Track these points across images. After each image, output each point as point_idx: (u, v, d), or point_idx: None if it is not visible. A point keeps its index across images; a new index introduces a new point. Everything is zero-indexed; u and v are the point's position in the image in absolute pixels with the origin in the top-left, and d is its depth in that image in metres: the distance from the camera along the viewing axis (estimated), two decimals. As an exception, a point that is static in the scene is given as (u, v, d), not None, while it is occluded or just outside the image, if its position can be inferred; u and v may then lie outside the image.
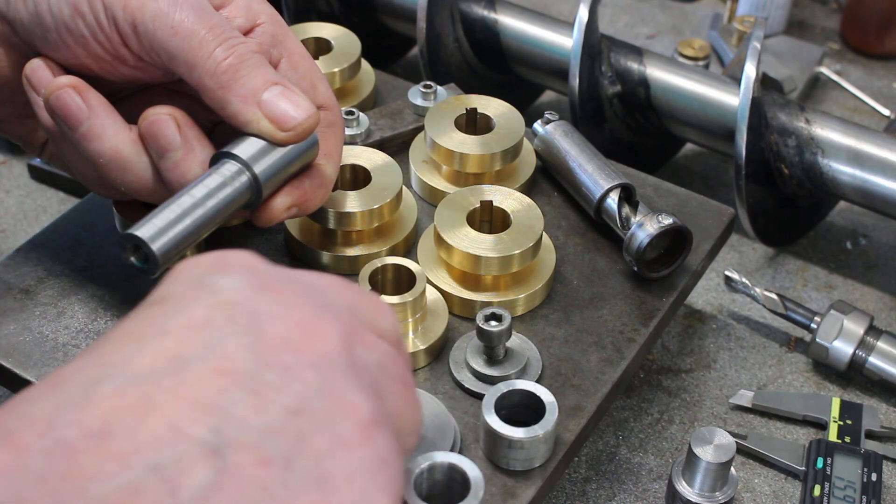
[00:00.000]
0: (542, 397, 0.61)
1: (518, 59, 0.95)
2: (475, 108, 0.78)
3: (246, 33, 0.62)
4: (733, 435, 0.72)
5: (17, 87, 0.63)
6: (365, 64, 0.86)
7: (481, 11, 0.95)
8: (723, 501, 0.69)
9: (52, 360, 0.66)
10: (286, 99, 0.58)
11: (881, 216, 0.90)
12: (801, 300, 0.87)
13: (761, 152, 0.85)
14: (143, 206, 0.66)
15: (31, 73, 0.61)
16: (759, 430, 0.78)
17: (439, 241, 0.69)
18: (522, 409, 0.62)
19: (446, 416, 0.62)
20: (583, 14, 0.86)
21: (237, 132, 0.59)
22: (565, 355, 0.68)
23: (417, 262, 0.70)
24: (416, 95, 0.81)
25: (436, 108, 0.78)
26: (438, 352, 0.67)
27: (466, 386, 0.65)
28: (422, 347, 0.66)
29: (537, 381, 0.65)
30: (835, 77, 1.10)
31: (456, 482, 0.56)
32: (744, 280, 0.82)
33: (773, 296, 0.81)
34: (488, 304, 0.68)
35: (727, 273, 0.83)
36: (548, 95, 1.05)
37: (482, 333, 0.63)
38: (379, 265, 0.67)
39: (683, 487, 0.70)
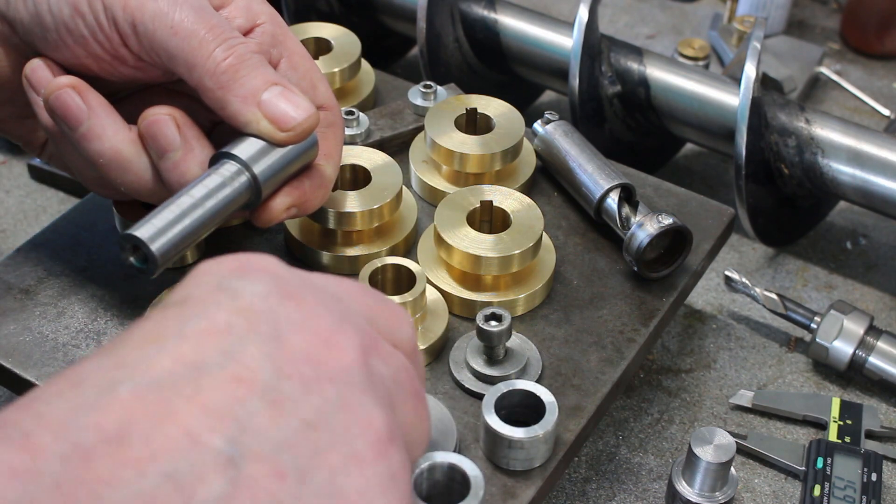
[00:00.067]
0: (542, 397, 0.61)
1: (518, 59, 0.95)
2: (475, 108, 0.78)
3: (246, 33, 0.62)
4: (733, 435, 0.72)
5: (16, 87, 0.63)
6: (365, 64, 0.87)
7: (481, 11, 0.95)
8: (723, 501, 0.69)
9: (52, 360, 0.66)
10: (286, 99, 0.58)
11: (881, 216, 0.90)
12: (801, 300, 0.87)
13: (761, 152, 0.85)
14: (142, 207, 0.67)
15: (30, 73, 0.61)
16: (759, 430, 0.78)
17: (439, 241, 0.69)
18: (522, 409, 0.62)
19: (448, 419, 0.62)
20: (583, 14, 0.86)
21: (237, 132, 0.59)
22: (565, 355, 0.68)
23: (417, 262, 0.70)
24: (416, 95, 0.81)
25: (436, 108, 0.78)
26: (438, 352, 0.67)
27: (466, 386, 0.65)
28: (422, 347, 0.66)
29: (537, 381, 0.65)
30: (835, 77, 1.10)
31: (456, 482, 0.56)
32: (744, 280, 0.82)
33: (773, 296, 0.81)
34: (488, 304, 0.68)
35: (727, 273, 0.83)
36: (548, 95, 1.05)
37: (482, 333, 0.63)
38: (379, 265, 0.67)
39: (683, 487, 0.70)
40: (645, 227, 0.70)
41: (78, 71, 0.61)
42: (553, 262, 0.71)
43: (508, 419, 0.60)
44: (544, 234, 0.71)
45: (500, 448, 0.60)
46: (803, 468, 0.73)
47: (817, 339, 0.79)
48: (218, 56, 0.57)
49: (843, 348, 0.79)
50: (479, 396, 0.64)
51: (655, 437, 0.77)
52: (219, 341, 0.39)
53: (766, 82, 1.01)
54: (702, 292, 0.88)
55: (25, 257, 0.72)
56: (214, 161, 0.59)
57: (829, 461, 0.72)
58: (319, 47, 0.84)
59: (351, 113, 0.78)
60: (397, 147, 0.80)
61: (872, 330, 0.79)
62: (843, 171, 0.84)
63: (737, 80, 0.85)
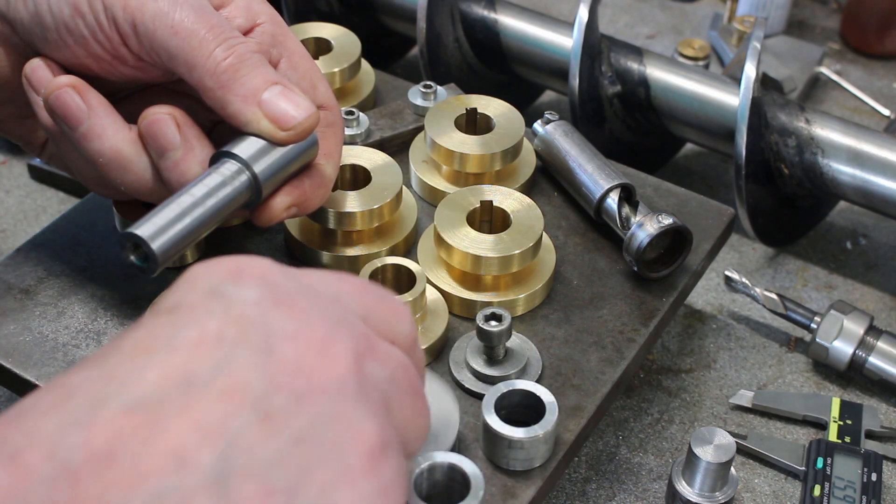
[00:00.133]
0: (542, 397, 0.61)
1: (518, 59, 0.95)
2: (475, 108, 0.78)
3: (246, 33, 0.62)
4: (733, 435, 0.72)
5: (16, 87, 0.63)
6: (365, 64, 0.87)
7: (481, 11, 0.95)
8: (723, 501, 0.69)
9: (52, 360, 0.66)
10: (286, 98, 0.58)
11: (881, 216, 0.90)
12: (801, 300, 0.87)
13: (761, 152, 0.85)
14: (142, 206, 0.66)
15: (30, 73, 0.61)
16: (759, 430, 0.78)
17: (439, 241, 0.69)
18: (522, 409, 0.62)
19: (451, 403, 0.62)
20: (583, 14, 0.86)
21: (237, 132, 0.59)
22: (565, 355, 0.68)
23: (417, 262, 0.70)
24: (416, 95, 0.81)
25: (436, 108, 0.78)
26: (438, 352, 0.67)
27: (466, 386, 0.65)
28: (422, 347, 0.66)
29: (537, 381, 0.65)
30: (835, 77, 1.10)
31: (456, 482, 0.56)
32: (744, 280, 0.82)
33: (773, 296, 0.81)
34: (488, 304, 0.68)
35: (727, 273, 0.83)
36: (548, 95, 1.05)
37: (482, 333, 0.63)
38: (379, 265, 0.67)
39: (683, 487, 0.70)
40: (645, 227, 0.70)
41: (78, 71, 0.61)
42: (553, 262, 0.71)
43: (508, 419, 0.60)
44: (544, 234, 0.71)
45: (500, 448, 0.60)
46: (803, 468, 0.73)
47: (817, 339, 0.79)
48: (218, 55, 0.57)
49: (843, 348, 0.79)
50: (479, 396, 0.64)
51: (655, 437, 0.77)
52: (209, 353, 0.38)
53: (766, 82, 1.01)
54: (702, 292, 0.88)
55: (25, 257, 0.72)
56: (215, 160, 0.59)
57: (829, 461, 0.72)
58: (319, 47, 0.84)
59: (351, 113, 0.78)
60: (397, 147, 0.80)
61: (872, 330, 0.79)
62: (843, 171, 0.84)
63: (737, 80, 0.85)
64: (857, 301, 0.88)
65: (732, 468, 0.70)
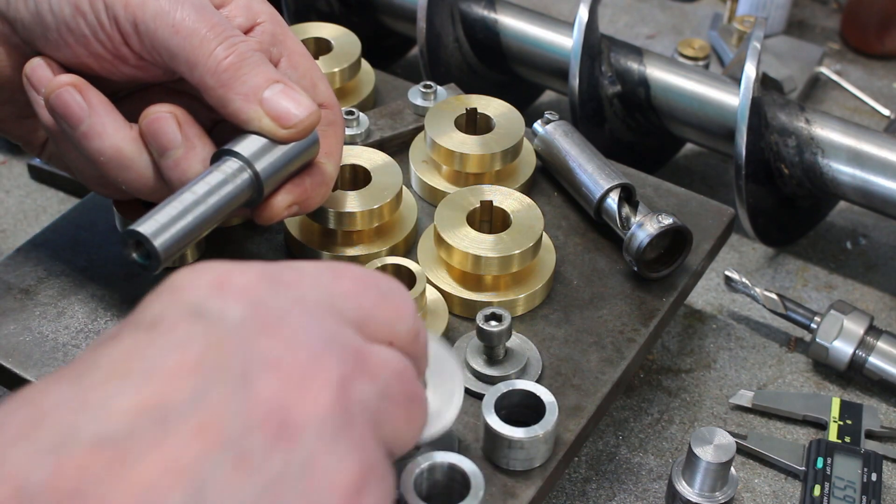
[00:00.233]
0: (542, 397, 0.61)
1: (518, 59, 0.95)
2: (475, 108, 0.78)
3: (246, 32, 0.62)
4: (733, 435, 0.72)
5: (17, 87, 0.63)
6: (365, 64, 0.87)
7: (481, 11, 0.95)
8: (723, 501, 0.69)
9: (52, 360, 0.66)
10: (287, 97, 0.59)
11: (881, 216, 0.90)
12: (801, 300, 0.87)
13: (761, 152, 0.85)
14: (143, 206, 0.66)
15: (31, 73, 0.61)
16: (759, 430, 0.77)
17: (439, 241, 0.69)
18: (522, 409, 0.62)
19: (456, 379, 0.61)
20: (583, 14, 0.86)
21: (238, 130, 0.60)
22: (565, 355, 0.68)
23: (417, 262, 0.70)
24: (416, 95, 0.81)
25: (436, 108, 0.78)
26: (438, 352, 0.67)
27: (466, 386, 0.65)
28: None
29: (537, 381, 0.65)
30: (835, 77, 1.10)
31: (456, 482, 0.56)
32: (744, 280, 0.82)
33: (773, 296, 0.81)
34: (488, 304, 0.68)
35: (727, 273, 0.83)
36: (548, 95, 1.05)
37: (482, 333, 0.63)
38: (379, 265, 0.67)
39: (683, 487, 0.70)
40: (645, 227, 0.70)
41: (78, 70, 0.61)
42: (553, 262, 0.71)
43: (508, 419, 0.60)
44: (544, 234, 0.71)
45: (500, 448, 0.60)
46: (803, 468, 0.73)
47: (817, 339, 0.79)
48: (219, 54, 0.57)
49: (843, 348, 0.79)
50: (479, 396, 0.64)
51: (655, 437, 0.77)
52: (186, 383, 0.37)
53: (766, 82, 1.01)
54: (702, 292, 0.88)
55: (25, 257, 0.72)
56: (216, 159, 0.59)
57: (829, 461, 0.72)
58: (319, 47, 0.84)
59: (351, 113, 0.78)
60: (397, 147, 0.80)
61: (872, 330, 0.79)
62: (843, 171, 0.84)
63: (737, 80, 0.85)
64: (857, 301, 0.88)
65: (732, 468, 0.70)
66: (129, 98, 0.65)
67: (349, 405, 0.39)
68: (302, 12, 0.99)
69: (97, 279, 0.71)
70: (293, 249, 0.73)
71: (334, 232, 0.71)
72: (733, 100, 0.86)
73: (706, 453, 0.68)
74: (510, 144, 0.75)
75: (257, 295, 0.40)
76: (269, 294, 0.41)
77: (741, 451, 0.75)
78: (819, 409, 0.77)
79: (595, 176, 0.74)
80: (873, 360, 0.78)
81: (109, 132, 0.59)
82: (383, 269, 0.67)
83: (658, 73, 0.90)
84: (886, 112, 1.06)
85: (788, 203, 0.89)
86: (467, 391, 0.65)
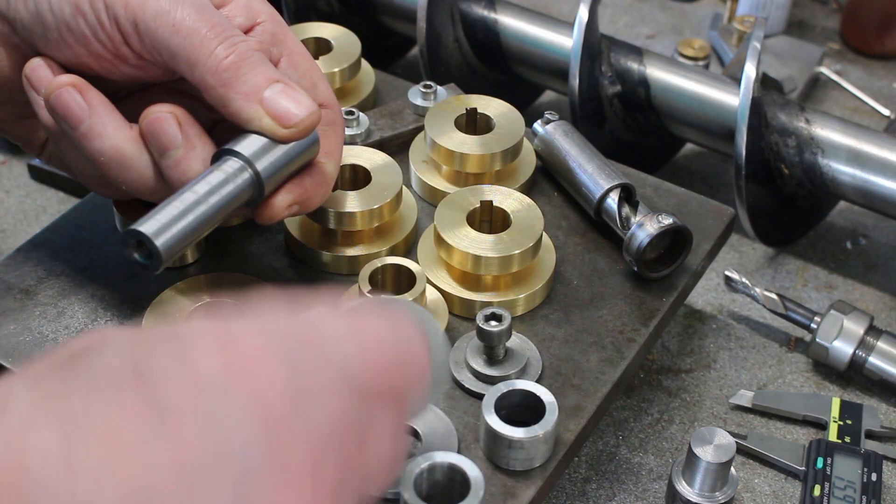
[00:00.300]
0: (542, 397, 0.61)
1: (518, 59, 0.95)
2: (475, 108, 0.78)
3: (246, 32, 0.62)
4: (733, 435, 0.72)
5: (17, 87, 0.63)
6: (365, 64, 0.87)
7: (481, 11, 0.95)
8: (723, 501, 0.69)
9: (52, 360, 0.66)
10: (287, 96, 0.59)
11: (881, 216, 0.90)
12: (801, 300, 0.87)
13: (761, 152, 0.85)
14: (143, 206, 0.66)
15: (31, 73, 0.61)
16: (759, 430, 0.77)
17: (439, 241, 0.69)
18: (522, 409, 0.62)
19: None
20: (583, 14, 0.86)
21: (238, 130, 0.60)
22: (565, 355, 0.68)
23: (417, 262, 0.70)
24: (416, 95, 0.81)
25: (436, 108, 0.78)
26: (438, 352, 0.67)
27: (466, 386, 0.65)
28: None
29: (537, 381, 0.65)
30: (835, 77, 1.10)
31: (456, 482, 0.56)
32: (744, 280, 0.82)
33: (773, 296, 0.81)
34: (488, 304, 0.68)
35: (727, 273, 0.83)
36: (548, 95, 1.05)
37: (482, 333, 0.63)
38: (379, 265, 0.67)
39: (683, 487, 0.70)
40: (645, 227, 0.70)
41: (78, 70, 0.61)
42: (553, 262, 0.71)
43: (508, 419, 0.60)
44: (544, 234, 0.71)
45: (500, 448, 0.60)
46: (803, 468, 0.73)
47: (817, 339, 0.79)
48: (220, 54, 0.57)
49: (843, 348, 0.79)
50: (479, 396, 0.64)
51: (655, 437, 0.77)
52: (178, 479, 0.34)
53: (766, 82, 1.01)
54: (702, 292, 0.88)
55: (25, 257, 0.72)
56: (216, 158, 0.59)
57: (829, 461, 0.72)
58: (319, 47, 0.84)
59: (351, 113, 0.78)
60: (397, 147, 0.80)
61: (872, 330, 0.79)
62: (843, 171, 0.84)
63: (737, 80, 0.85)
64: (857, 301, 0.88)
65: (732, 468, 0.70)
66: (130, 98, 0.65)
67: (340, 499, 0.38)
68: (302, 12, 0.99)
69: (97, 279, 0.71)
70: (293, 249, 0.73)
71: (334, 232, 0.71)
72: (733, 100, 0.86)
73: (706, 453, 0.68)
74: (510, 144, 0.75)
75: (267, 377, 0.37)
76: (279, 377, 0.38)
77: (741, 451, 0.75)
78: (819, 409, 0.77)
79: (595, 176, 0.74)
80: (873, 360, 0.78)
81: (109, 132, 0.59)
82: (383, 269, 0.67)
83: (658, 73, 0.90)
84: (886, 112, 1.06)
85: (788, 203, 0.89)
86: (467, 391, 0.65)
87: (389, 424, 0.41)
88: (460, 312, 0.69)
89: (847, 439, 0.74)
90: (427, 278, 0.68)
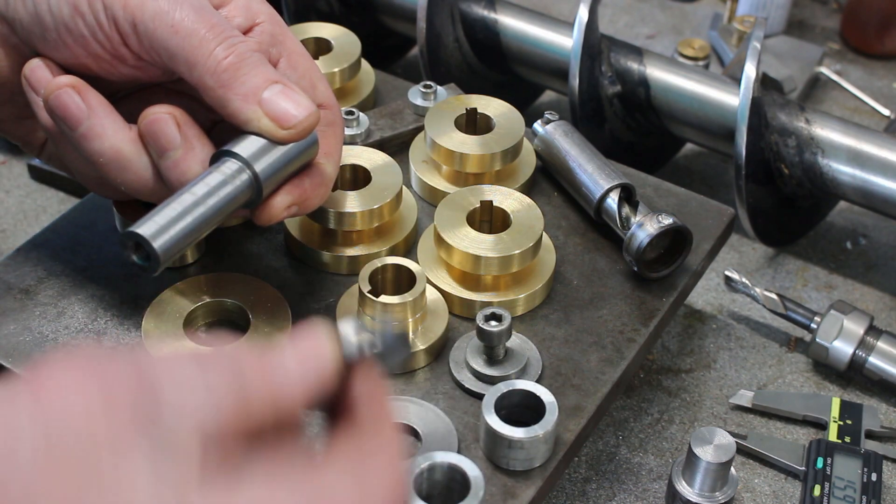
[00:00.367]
0: (542, 397, 0.61)
1: (518, 59, 0.95)
2: (475, 108, 0.78)
3: (245, 32, 0.62)
4: (733, 435, 0.72)
5: (16, 88, 0.63)
6: (365, 64, 0.87)
7: (481, 11, 0.95)
8: (723, 501, 0.69)
9: (52, 360, 0.66)
10: (286, 97, 0.58)
11: (881, 216, 0.90)
12: (801, 300, 0.87)
13: (761, 152, 0.85)
14: (142, 206, 0.66)
15: (30, 74, 0.61)
16: (759, 430, 0.77)
17: (439, 241, 0.69)
18: (522, 409, 0.62)
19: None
20: (583, 14, 0.86)
21: (237, 131, 0.60)
22: (565, 355, 0.68)
23: (417, 262, 0.70)
24: (416, 95, 0.81)
25: (436, 108, 0.78)
26: (438, 352, 0.67)
27: (466, 386, 0.65)
28: (422, 347, 0.66)
29: (537, 381, 0.65)
30: (835, 77, 1.10)
31: (456, 482, 0.56)
32: (744, 280, 0.82)
33: (773, 296, 0.81)
34: (488, 304, 0.68)
35: (727, 273, 0.82)
36: (548, 95, 1.05)
37: (482, 333, 0.63)
38: (379, 265, 0.67)
39: (683, 487, 0.70)
40: (645, 227, 0.70)
41: (77, 71, 0.61)
42: (553, 262, 0.71)
43: (508, 419, 0.60)
44: (544, 234, 0.71)
45: (500, 448, 0.60)
46: (803, 468, 0.73)
47: (817, 339, 0.79)
48: (219, 54, 0.57)
49: (843, 348, 0.79)
50: (479, 396, 0.64)
51: (655, 437, 0.77)
52: None
53: (766, 82, 1.01)
54: (702, 292, 0.88)
55: (25, 257, 0.72)
56: (215, 159, 0.59)
57: (829, 461, 0.72)
58: (319, 47, 0.84)
59: (351, 113, 0.78)
60: (397, 147, 0.80)
61: (872, 330, 0.79)
62: (843, 171, 0.84)
63: (737, 80, 0.85)
64: (857, 301, 0.88)
65: (732, 468, 0.70)
66: (128, 99, 0.64)
67: None
68: (302, 12, 0.99)
69: (97, 279, 0.71)
70: (293, 249, 0.73)
71: (334, 232, 0.71)
72: (733, 100, 0.86)
73: (706, 453, 0.68)
74: (510, 144, 0.75)
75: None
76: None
77: (741, 451, 0.75)
78: (819, 409, 0.77)
79: (595, 176, 0.74)
80: (873, 360, 0.78)
81: (108, 133, 0.59)
82: (383, 269, 0.67)
83: (658, 73, 0.90)
84: (886, 112, 1.06)
85: (788, 203, 0.89)
86: (467, 391, 0.65)
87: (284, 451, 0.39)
88: (460, 312, 0.69)
89: (847, 439, 0.74)
90: (427, 278, 0.68)
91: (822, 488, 0.70)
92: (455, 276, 0.70)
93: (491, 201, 0.71)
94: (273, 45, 0.63)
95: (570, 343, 0.68)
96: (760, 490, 0.74)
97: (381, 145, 0.79)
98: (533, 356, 0.66)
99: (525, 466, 0.61)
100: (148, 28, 0.57)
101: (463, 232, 0.69)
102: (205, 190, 0.57)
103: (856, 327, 0.79)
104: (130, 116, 0.60)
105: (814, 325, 0.80)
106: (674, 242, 0.72)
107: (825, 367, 0.81)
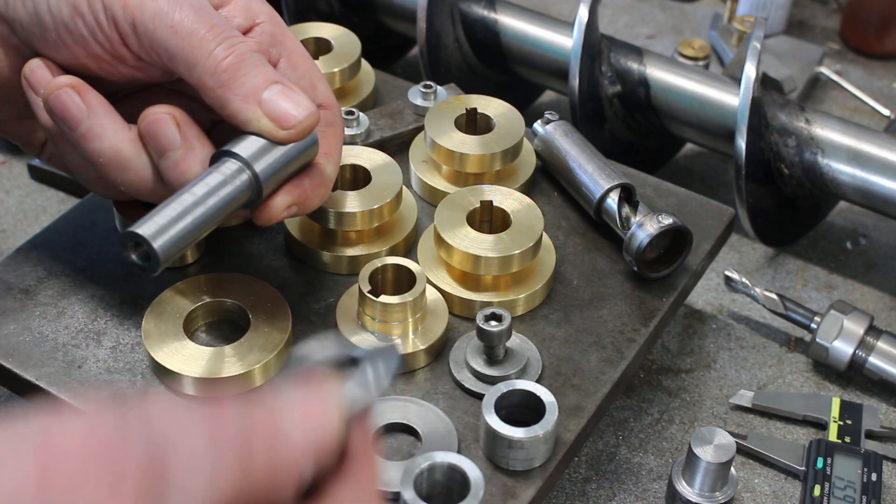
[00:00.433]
0: (542, 397, 0.61)
1: (518, 59, 0.95)
2: (475, 108, 0.78)
3: (245, 33, 0.62)
4: (733, 435, 0.72)
5: (16, 88, 0.63)
6: (365, 64, 0.87)
7: (481, 11, 0.95)
8: (723, 501, 0.69)
9: (52, 360, 0.66)
10: (286, 98, 0.58)
11: (881, 216, 0.90)
12: (801, 300, 0.87)
13: (761, 152, 0.85)
14: (142, 206, 0.66)
15: (30, 74, 0.61)
16: (759, 430, 0.77)
17: (439, 241, 0.69)
18: (522, 409, 0.62)
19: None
20: (583, 14, 0.86)
21: (237, 131, 0.59)
22: (565, 355, 0.68)
23: (417, 262, 0.70)
24: (416, 95, 0.81)
25: (436, 108, 0.78)
26: (438, 352, 0.67)
27: (466, 386, 0.65)
28: (422, 347, 0.66)
29: (537, 381, 0.65)
30: (835, 77, 1.10)
31: (456, 482, 0.56)
32: (744, 280, 0.82)
33: (773, 296, 0.81)
34: (488, 304, 0.68)
35: (727, 273, 0.83)
36: (548, 95, 1.05)
37: (482, 333, 0.63)
38: (379, 265, 0.67)
39: (683, 487, 0.70)
40: (645, 227, 0.70)
41: (77, 71, 0.61)
42: (553, 262, 0.71)
43: (508, 419, 0.60)
44: (544, 234, 0.71)
45: (500, 448, 0.60)
46: (803, 468, 0.73)
47: (817, 339, 0.79)
48: (218, 55, 0.57)
49: (843, 348, 0.79)
50: (479, 396, 0.64)
51: (655, 437, 0.77)
52: None
53: (766, 82, 1.01)
54: (702, 292, 0.88)
55: (25, 257, 0.72)
56: (215, 160, 0.59)
57: (829, 461, 0.72)
58: (319, 47, 0.84)
59: (351, 113, 0.78)
60: (397, 147, 0.80)
61: (872, 330, 0.79)
62: (843, 171, 0.84)
63: (737, 80, 0.85)
64: (857, 301, 0.88)
65: (732, 468, 0.70)
66: (128, 99, 0.64)
67: None
68: (302, 12, 0.99)
69: (97, 279, 0.71)
70: (293, 249, 0.73)
71: (334, 232, 0.71)
72: (733, 100, 0.86)
73: (706, 453, 0.68)
74: (510, 144, 0.75)
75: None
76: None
77: (741, 451, 0.75)
78: (819, 409, 0.77)
79: (595, 176, 0.74)
80: (873, 360, 0.78)
81: (108, 133, 0.59)
82: (383, 269, 0.67)
83: (658, 73, 0.90)
84: (886, 112, 1.06)
85: (788, 203, 0.89)
86: (467, 391, 0.65)
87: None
88: (460, 312, 0.69)
89: (847, 439, 0.74)
90: (427, 278, 0.68)
91: (822, 488, 0.70)
92: (455, 276, 0.70)
93: (491, 201, 0.71)
94: (273, 46, 0.63)
95: (570, 343, 0.68)
96: (760, 490, 0.74)
97: (381, 145, 0.79)
98: (533, 356, 0.66)
99: (525, 466, 0.61)
100: (147, 28, 0.57)
101: (463, 232, 0.69)
102: (205, 190, 0.57)
103: (856, 327, 0.79)
104: (130, 116, 0.60)
105: (814, 325, 0.80)
106: (674, 242, 0.72)
107: (825, 367, 0.81)
